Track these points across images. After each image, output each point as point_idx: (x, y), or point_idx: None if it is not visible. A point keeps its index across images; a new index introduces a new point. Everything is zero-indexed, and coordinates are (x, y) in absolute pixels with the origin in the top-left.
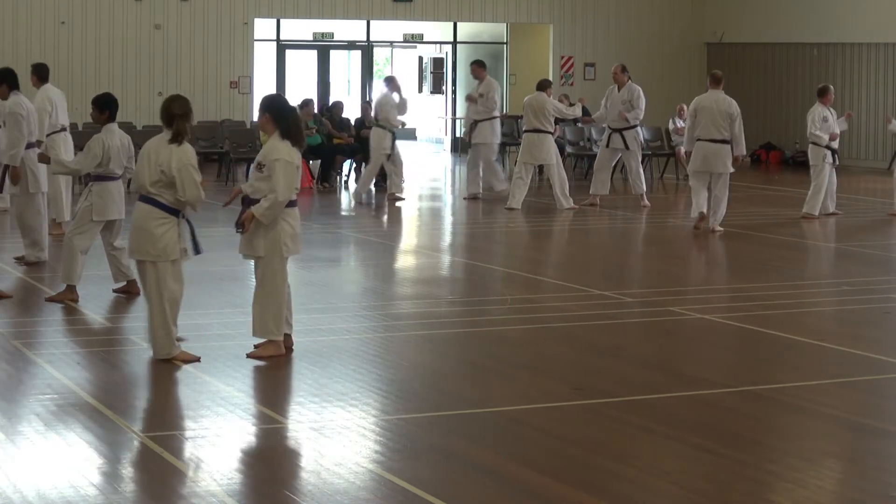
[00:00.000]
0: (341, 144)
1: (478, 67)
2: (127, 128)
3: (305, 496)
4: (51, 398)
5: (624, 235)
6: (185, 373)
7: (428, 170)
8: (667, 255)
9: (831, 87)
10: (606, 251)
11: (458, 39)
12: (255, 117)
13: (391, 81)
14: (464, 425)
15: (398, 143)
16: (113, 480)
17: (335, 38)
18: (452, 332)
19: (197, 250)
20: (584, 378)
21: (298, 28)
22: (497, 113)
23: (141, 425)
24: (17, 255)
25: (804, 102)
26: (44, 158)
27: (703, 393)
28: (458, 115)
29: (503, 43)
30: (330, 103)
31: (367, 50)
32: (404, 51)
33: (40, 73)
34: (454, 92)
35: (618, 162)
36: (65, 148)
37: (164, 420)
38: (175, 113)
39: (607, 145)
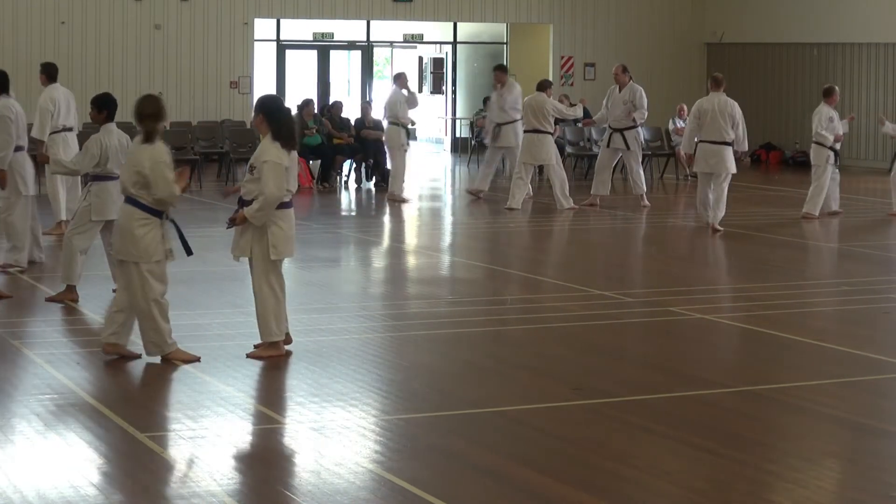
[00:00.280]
0: (341, 144)
1: (501, 73)
2: (127, 128)
3: (305, 496)
4: (51, 398)
5: (624, 235)
6: (185, 373)
7: (428, 170)
8: (667, 255)
9: (836, 87)
10: (606, 251)
11: (458, 39)
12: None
13: (400, 78)
14: (464, 425)
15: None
16: (113, 480)
17: (335, 39)
18: (452, 332)
19: (188, 251)
20: (584, 378)
21: (298, 28)
22: (519, 116)
23: (141, 425)
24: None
25: (804, 102)
26: (43, 158)
27: (703, 393)
28: (458, 115)
29: (503, 43)
30: (330, 103)
31: (367, 50)
32: (404, 51)
33: (49, 73)
34: (454, 92)
35: (618, 162)
36: (64, 148)
37: (164, 420)
38: (145, 113)
39: (608, 145)
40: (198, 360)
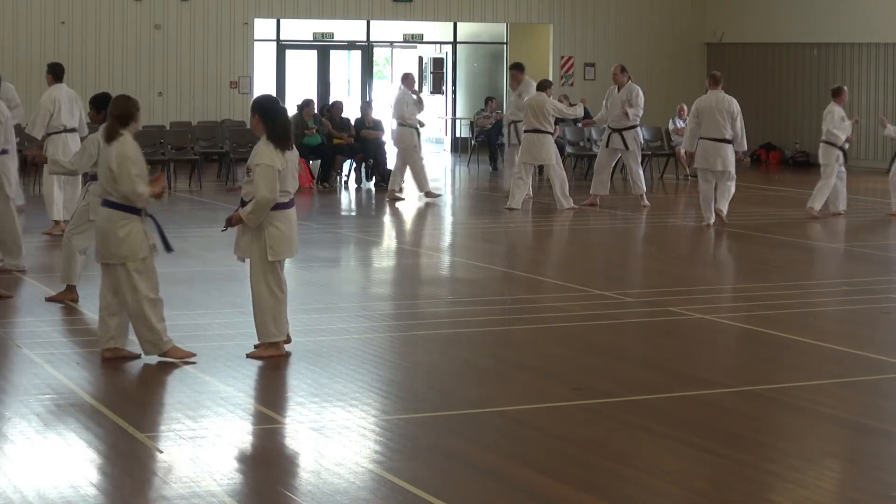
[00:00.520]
0: (341, 144)
1: (518, 72)
2: None
3: (305, 496)
4: (51, 398)
5: (624, 235)
6: (185, 373)
7: (428, 170)
8: (667, 255)
9: (845, 87)
10: (607, 251)
11: (458, 39)
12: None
13: (407, 78)
14: (464, 425)
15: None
16: (112, 480)
17: (335, 38)
18: (452, 332)
19: (168, 248)
20: (584, 378)
21: (298, 28)
22: (580, 111)
23: (141, 425)
24: None
25: (804, 102)
26: (41, 159)
27: (703, 393)
28: (458, 115)
29: (503, 43)
30: (330, 103)
31: (367, 50)
32: (404, 51)
33: (56, 73)
34: (454, 92)
35: (618, 162)
36: (63, 148)
37: (164, 420)
38: (113, 113)
39: (607, 145)
40: (193, 355)
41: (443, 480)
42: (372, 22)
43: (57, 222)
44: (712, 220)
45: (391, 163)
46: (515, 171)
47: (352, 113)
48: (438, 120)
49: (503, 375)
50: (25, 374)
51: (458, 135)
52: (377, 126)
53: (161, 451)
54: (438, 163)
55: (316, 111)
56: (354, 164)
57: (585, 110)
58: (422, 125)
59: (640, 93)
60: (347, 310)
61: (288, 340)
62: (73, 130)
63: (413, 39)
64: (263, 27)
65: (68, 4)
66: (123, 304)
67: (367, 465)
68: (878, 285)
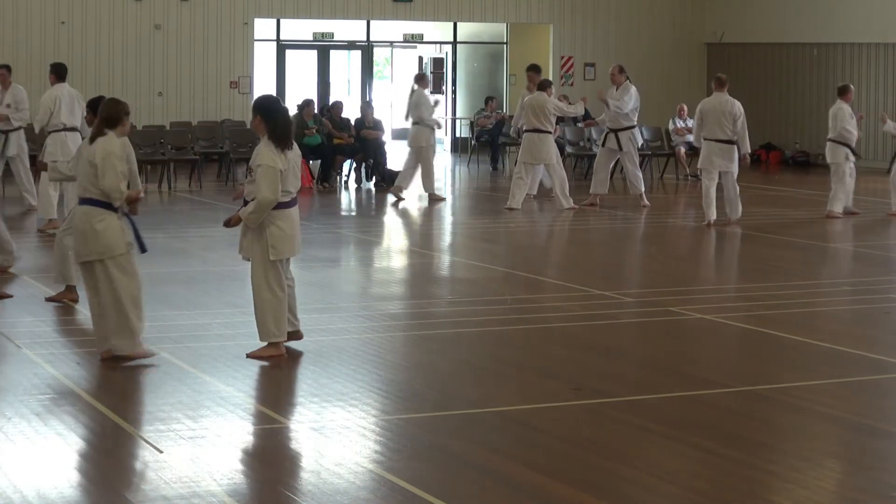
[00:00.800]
0: (341, 144)
1: (533, 73)
2: None
3: (305, 496)
4: (51, 398)
5: (624, 235)
6: (185, 373)
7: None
8: (667, 256)
9: (852, 85)
10: (607, 251)
11: (458, 39)
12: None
13: (423, 79)
14: (464, 425)
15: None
16: (112, 480)
17: (335, 38)
18: (452, 332)
19: (142, 248)
20: (584, 378)
21: (298, 28)
22: (581, 110)
23: (141, 425)
24: None
25: (804, 102)
26: (41, 166)
27: (704, 393)
28: (458, 115)
29: (503, 43)
30: (330, 103)
31: (367, 50)
32: (404, 51)
33: (58, 72)
34: (454, 92)
35: (618, 162)
36: (62, 147)
37: (164, 420)
38: (101, 116)
39: (603, 145)
40: (154, 354)
41: (443, 480)
42: (372, 22)
43: (52, 220)
44: (713, 219)
45: (391, 163)
46: (516, 171)
47: (352, 113)
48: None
49: (503, 375)
50: (25, 373)
51: (458, 135)
52: (377, 126)
53: (161, 451)
54: (438, 163)
55: (316, 111)
56: (354, 164)
57: (586, 111)
58: (438, 126)
59: (633, 92)
60: (347, 310)
61: (299, 337)
62: (73, 129)
63: (413, 39)
64: (263, 27)
65: (68, 4)
66: (102, 301)
67: (367, 464)
68: (879, 285)
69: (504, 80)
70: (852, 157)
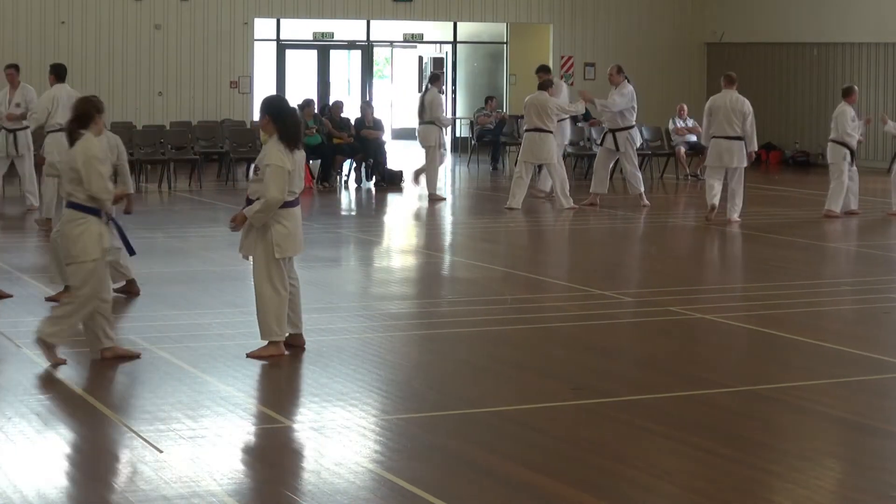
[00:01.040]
0: (341, 144)
1: (545, 74)
2: (127, 128)
3: (305, 496)
4: (51, 397)
5: (624, 235)
6: (185, 373)
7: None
8: (667, 255)
9: (856, 87)
10: (606, 251)
11: (458, 39)
12: (256, 117)
13: (437, 79)
14: (464, 425)
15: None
16: (112, 480)
17: (335, 38)
18: (452, 332)
19: (130, 251)
20: (583, 378)
21: (298, 28)
22: (565, 116)
23: (141, 425)
24: None
25: (804, 102)
26: (40, 160)
27: (703, 393)
28: (458, 114)
29: (503, 43)
30: (331, 103)
31: (367, 50)
32: (404, 50)
33: (58, 73)
34: (454, 92)
35: (618, 162)
36: (59, 147)
37: (164, 419)
38: (73, 115)
39: (601, 144)
40: (64, 362)
41: (443, 480)
42: (372, 22)
43: (48, 219)
44: (715, 203)
45: (391, 162)
46: (516, 171)
47: (352, 113)
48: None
49: (503, 375)
50: (25, 373)
51: (458, 134)
52: (377, 126)
53: (161, 451)
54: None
55: (316, 111)
56: (354, 164)
57: (587, 110)
58: (446, 125)
59: (628, 92)
60: (347, 309)
61: (301, 342)
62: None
63: (413, 39)
64: (263, 27)
65: (68, 4)
66: (70, 298)
67: (367, 464)
68: (879, 285)
69: (504, 79)
70: (848, 158)
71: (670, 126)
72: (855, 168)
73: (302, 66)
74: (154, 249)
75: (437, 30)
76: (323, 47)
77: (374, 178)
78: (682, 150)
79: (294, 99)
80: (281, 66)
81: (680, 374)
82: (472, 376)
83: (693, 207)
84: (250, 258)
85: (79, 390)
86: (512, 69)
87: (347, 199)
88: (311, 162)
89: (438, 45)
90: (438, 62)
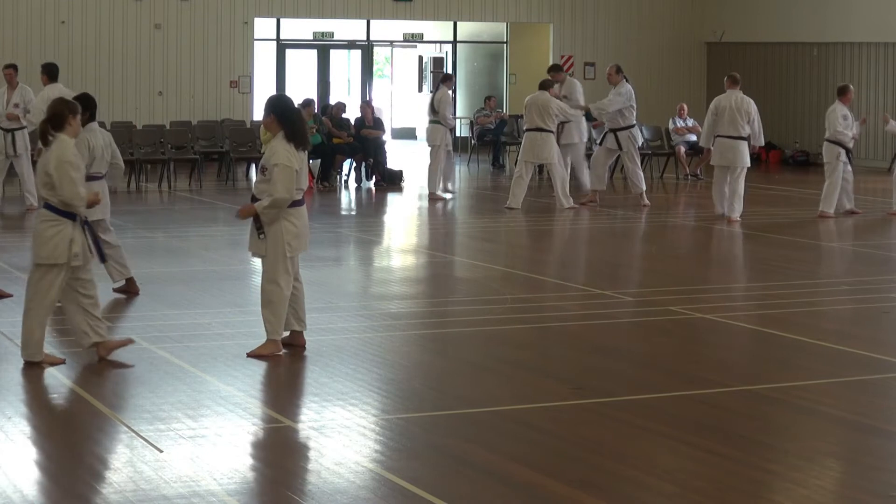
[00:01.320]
0: (341, 144)
1: (557, 73)
2: (127, 127)
3: (305, 495)
4: (51, 397)
5: (624, 235)
6: (185, 372)
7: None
8: (667, 255)
9: (851, 86)
10: (607, 251)
11: (458, 39)
12: (256, 117)
13: (449, 79)
14: (464, 425)
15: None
16: (113, 479)
17: (335, 38)
18: (452, 332)
19: (101, 258)
20: (584, 378)
21: (298, 27)
22: (581, 113)
23: (141, 424)
24: None
25: (804, 102)
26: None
27: (704, 392)
28: (458, 114)
29: (503, 42)
30: (332, 103)
31: (367, 49)
32: (404, 50)
33: (50, 72)
34: (454, 91)
35: (618, 161)
36: None
37: (164, 419)
38: (46, 116)
39: (600, 143)
40: (63, 362)
41: (443, 480)
42: (372, 21)
43: None
44: (726, 210)
45: (391, 162)
46: (516, 170)
47: (351, 112)
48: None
49: (503, 375)
50: (25, 373)
51: (458, 134)
52: (377, 125)
53: (161, 451)
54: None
55: (316, 111)
56: (354, 164)
57: (588, 112)
58: (451, 125)
59: (624, 92)
60: (347, 309)
61: (302, 342)
62: None
63: (413, 39)
64: (263, 26)
65: (68, 4)
66: (34, 301)
67: (367, 464)
68: (878, 285)
69: (504, 79)
70: (844, 158)
71: (670, 126)
72: (850, 168)
73: (302, 66)
74: (154, 249)
75: (437, 29)
76: (323, 47)
77: (373, 177)
78: (682, 149)
79: (295, 99)
80: (281, 66)
81: (680, 373)
82: (473, 376)
83: (693, 207)
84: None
85: (79, 390)
86: (512, 69)
87: (347, 198)
88: (311, 161)
89: (438, 44)
90: (438, 62)
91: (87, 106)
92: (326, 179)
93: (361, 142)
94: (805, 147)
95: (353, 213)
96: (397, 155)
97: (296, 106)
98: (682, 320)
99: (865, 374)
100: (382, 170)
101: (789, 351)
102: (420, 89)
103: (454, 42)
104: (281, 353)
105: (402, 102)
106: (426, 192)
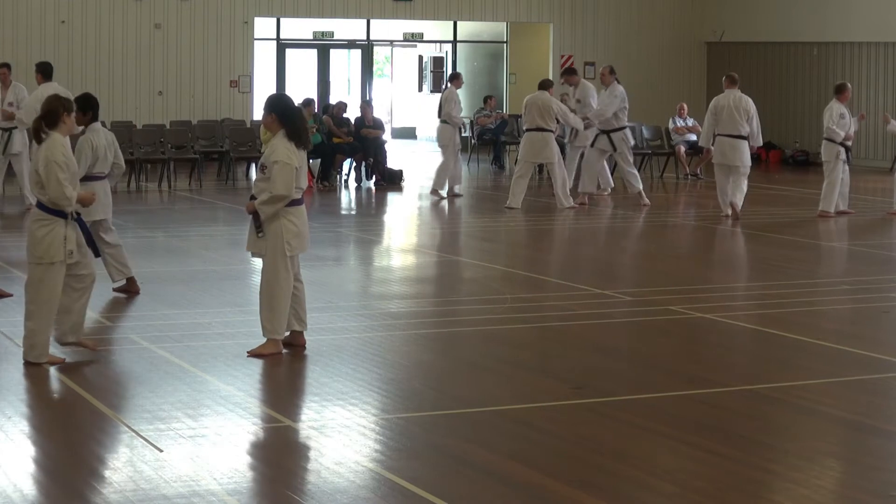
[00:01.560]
0: (341, 143)
1: (570, 76)
2: (127, 127)
3: (305, 495)
4: (51, 397)
5: (624, 234)
6: (186, 372)
7: (428, 169)
8: (667, 255)
9: (849, 84)
10: (606, 250)
11: (458, 38)
12: (256, 116)
13: (457, 78)
14: (464, 424)
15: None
16: (113, 479)
17: (335, 38)
18: (452, 332)
19: (95, 253)
20: (584, 377)
21: (298, 27)
22: (581, 123)
23: (141, 424)
24: None
25: (804, 102)
26: None
27: (703, 392)
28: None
29: (503, 42)
30: (333, 103)
31: (367, 49)
32: (404, 50)
33: (44, 71)
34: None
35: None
36: None
37: (165, 419)
38: (39, 113)
39: (592, 145)
40: (63, 361)
41: (443, 479)
42: (372, 21)
43: None
44: (730, 212)
45: (391, 162)
46: (516, 170)
47: (351, 112)
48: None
49: (503, 374)
50: (25, 372)
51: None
52: (377, 125)
53: (161, 450)
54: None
55: (316, 110)
56: (354, 163)
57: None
58: (457, 124)
59: (619, 95)
60: (347, 309)
61: (302, 342)
62: None
63: (413, 38)
64: (263, 26)
65: (68, 4)
66: (34, 299)
67: (368, 463)
68: (878, 284)
69: (504, 79)
70: (843, 156)
71: (670, 125)
72: (847, 168)
73: (302, 66)
74: (154, 249)
75: (437, 29)
76: (323, 46)
77: (373, 177)
78: (682, 149)
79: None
80: (281, 66)
81: (680, 373)
82: (473, 375)
83: (693, 206)
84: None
85: (79, 389)
86: (512, 68)
87: (347, 198)
88: (311, 161)
89: (438, 44)
90: (438, 62)
91: (89, 106)
92: (326, 179)
93: (361, 141)
94: (805, 147)
95: (353, 212)
96: (397, 154)
97: (296, 106)
98: (682, 320)
99: (865, 374)
100: (382, 169)
101: (789, 351)
102: (420, 89)
103: (454, 42)
104: (281, 353)
105: (402, 102)
106: (426, 191)
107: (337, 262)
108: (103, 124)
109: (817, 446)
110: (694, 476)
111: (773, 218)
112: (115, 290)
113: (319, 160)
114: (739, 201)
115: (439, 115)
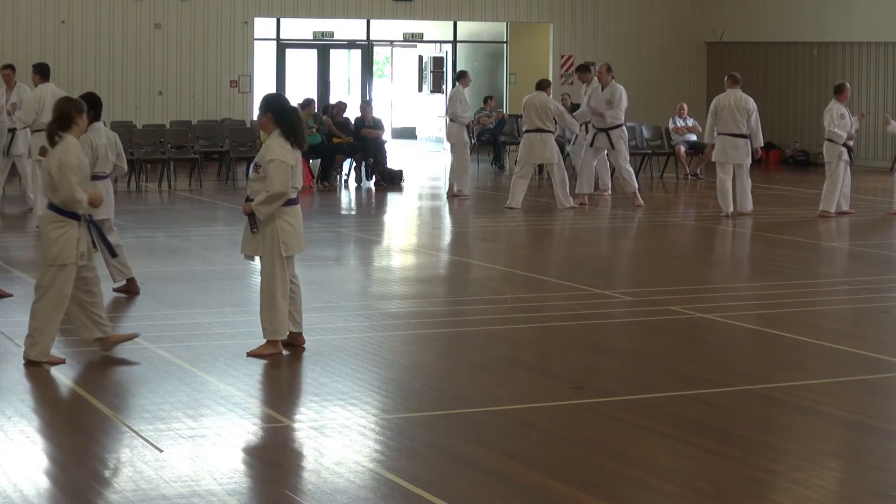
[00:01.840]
0: (341, 143)
1: (584, 73)
2: (127, 127)
3: (305, 495)
4: (51, 397)
5: (624, 234)
6: (186, 372)
7: (428, 169)
8: (667, 254)
9: (848, 84)
10: (606, 250)
11: (458, 39)
12: (255, 116)
13: (463, 77)
14: (464, 424)
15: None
16: (113, 479)
17: (335, 38)
18: (452, 332)
19: (112, 253)
20: (584, 377)
21: (298, 27)
22: (577, 125)
23: (141, 424)
24: None
25: (804, 102)
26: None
27: (703, 392)
28: None
29: (503, 42)
30: (332, 103)
31: (367, 49)
32: (404, 50)
33: (42, 72)
34: None
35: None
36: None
37: (165, 419)
38: (53, 116)
39: (591, 144)
40: (63, 361)
41: (443, 479)
42: (372, 21)
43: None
44: (730, 211)
45: (391, 162)
46: (516, 170)
47: (351, 112)
48: (438, 119)
49: (503, 374)
50: (26, 373)
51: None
52: (377, 125)
53: (161, 450)
54: (438, 162)
55: (316, 111)
56: (354, 163)
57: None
58: (471, 122)
59: (623, 93)
60: (347, 309)
61: (301, 342)
62: None
63: (413, 38)
64: (263, 26)
65: (68, 4)
66: (40, 299)
67: (368, 464)
68: (878, 284)
69: (504, 79)
70: (846, 157)
71: (670, 125)
72: (849, 168)
73: (302, 66)
74: (154, 249)
75: (437, 29)
76: (323, 47)
77: (373, 177)
78: (682, 149)
79: (294, 98)
80: (281, 66)
81: (680, 373)
82: (472, 375)
83: (693, 206)
84: (255, 258)
85: (79, 389)
86: (512, 68)
87: (347, 198)
88: (310, 161)
89: (438, 44)
90: (438, 62)
91: (92, 105)
92: (327, 179)
93: (361, 141)
94: (805, 147)
95: (353, 212)
96: (397, 155)
97: (292, 105)
98: (683, 320)
99: (865, 374)
100: (382, 169)
101: (789, 351)
102: (420, 89)
103: (454, 42)
104: (281, 353)
105: (402, 102)
106: (426, 191)
107: (337, 262)
108: (104, 124)
109: (818, 446)
110: (694, 476)
111: (774, 218)
112: (115, 290)
113: (319, 160)
114: (749, 204)
115: (447, 114)
